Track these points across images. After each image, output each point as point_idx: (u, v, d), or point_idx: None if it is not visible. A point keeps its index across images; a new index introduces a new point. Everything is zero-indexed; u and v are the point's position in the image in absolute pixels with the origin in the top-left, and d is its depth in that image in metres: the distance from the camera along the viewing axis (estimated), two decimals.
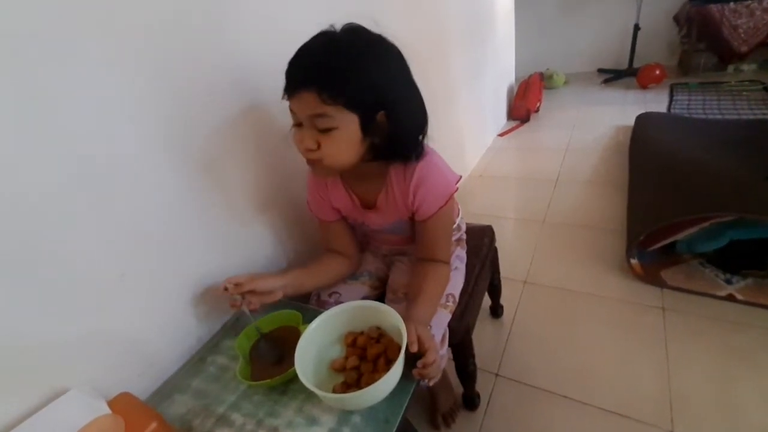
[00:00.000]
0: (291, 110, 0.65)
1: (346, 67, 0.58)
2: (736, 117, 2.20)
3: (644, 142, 1.90)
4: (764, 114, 2.20)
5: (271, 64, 0.74)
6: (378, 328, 0.68)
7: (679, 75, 3.10)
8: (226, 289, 0.71)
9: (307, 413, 0.61)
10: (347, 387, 0.61)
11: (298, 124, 0.66)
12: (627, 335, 1.15)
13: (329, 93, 0.58)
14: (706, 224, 1.21)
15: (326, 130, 0.62)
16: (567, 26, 3.51)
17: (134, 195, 0.66)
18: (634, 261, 1.31)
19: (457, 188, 0.76)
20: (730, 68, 2.98)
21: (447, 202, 0.74)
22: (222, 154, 0.80)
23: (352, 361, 0.64)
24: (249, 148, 0.86)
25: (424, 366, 0.60)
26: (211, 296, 0.81)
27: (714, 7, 2.68)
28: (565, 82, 3.41)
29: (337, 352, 0.68)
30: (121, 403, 0.60)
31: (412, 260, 0.89)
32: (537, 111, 2.89)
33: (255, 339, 0.74)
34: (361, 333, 0.69)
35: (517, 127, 2.74)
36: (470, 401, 1.03)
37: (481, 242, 1.06)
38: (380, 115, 0.63)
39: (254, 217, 0.92)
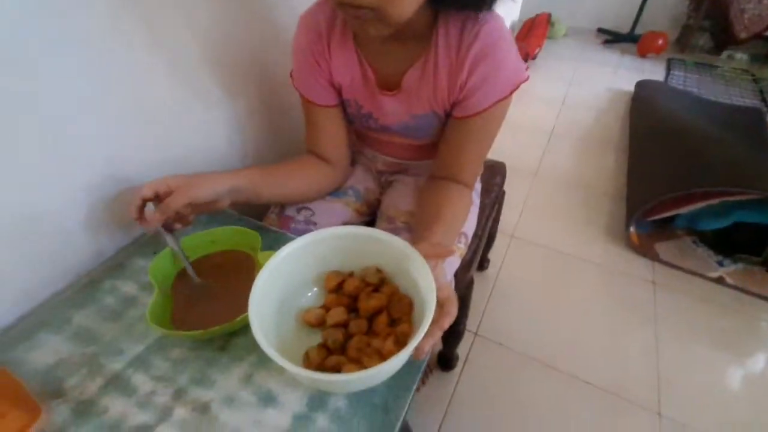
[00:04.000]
0: None
1: None
2: (729, 102, 2.15)
3: (648, 108, 1.78)
4: (754, 103, 2.17)
5: None
6: (378, 269, 0.45)
7: (676, 52, 2.99)
8: (140, 215, 0.45)
9: (259, 386, 0.39)
10: (328, 352, 0.40)
11: None
12: (616, 307, 1.07)
13: None
14: (715, 201, 1.11)
15: None
16: None
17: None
18: (632, 230, 1.20)
19: (527, 78, 0.52)
20: (724, 55, 2.92)
21: (510, 94, 0.51)
22: None
23: (337, 315, 0.42)
24: None
25: (431, 334, 0.36)
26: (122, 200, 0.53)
27: None
28: (565, 34, 3.16)
29: (311, 299, 0.46)
30: None
31: (418, 182, 0.66)
32: (534, 58, 2.65)
33: (181, 266, 0.48)
34: (351, 275, 0.46)
35: None
36: (447, 361, 0.89)
37: (493, 181, 0.86)
38: None
39: (205, 90, 0.62)
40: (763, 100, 2.22)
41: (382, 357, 0.38)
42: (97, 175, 0.50)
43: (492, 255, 1.14)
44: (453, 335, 0.81)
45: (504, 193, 0.93)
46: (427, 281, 0.38)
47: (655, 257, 1.18)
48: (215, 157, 0.68)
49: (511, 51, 0.49)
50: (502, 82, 0.50)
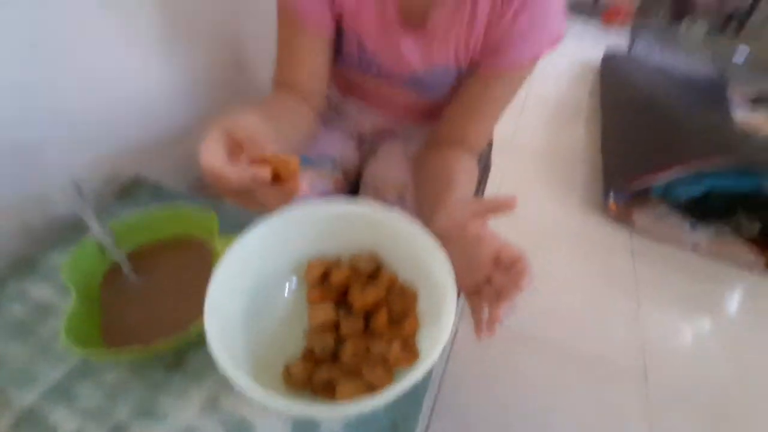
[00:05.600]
0: None
1: None
2: (690, 71, 2.20)
3: (615, 80, 1.81)
4: (712, 71, 2.24)
5: None
6: (371, 255, 0.37)
7: (639, 20, 3.04)
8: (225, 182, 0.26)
9: (228, 413, 0.30)
10: (315, 362, 0.31)
11: None
12: (597, 277, 1.06)
13: None
14: (691, 169, 1.11)
15: None
16: None
17: None
18: (610, 200, 1.19)
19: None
20: (684, 26, 2.99)
21: (546, 52, 0.43)
22: None
23: (323, 313, 0.33)
24: None
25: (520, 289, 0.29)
26: (36, 170, 0.41)
27: None
28: None
29: (290, 296, 0.37)
30: None
31: (408, 149, 0.56)
32: None
33: (113, 261, 0.37)
34: (337, 261, 0.37)
35: None
36: None
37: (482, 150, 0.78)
38: None
39: (145, 28, 0.49)
40: (721, 68, 2.30)
41: (388, 366, 0.30)
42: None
43: None
44: None
45: (491, 163, 0.86)
46: (442, 266, 0.30)
47: (631, 225, 1.19)
48: (163, 115, 0.55)
49: (556, 4, 0.41)
50: (546, 34, 0.42)
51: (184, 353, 0.33)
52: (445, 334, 0.26)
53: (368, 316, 0.34)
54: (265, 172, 0.27)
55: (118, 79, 0.48)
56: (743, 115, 1.66)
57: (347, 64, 0.51)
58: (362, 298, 0.34)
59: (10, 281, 0.38)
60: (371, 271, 0.36)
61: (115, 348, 0.31)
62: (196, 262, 0.38)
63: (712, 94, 1.77)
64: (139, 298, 0.35)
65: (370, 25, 0.45)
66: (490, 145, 0.82)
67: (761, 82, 2.09)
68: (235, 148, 0.27)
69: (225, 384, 0.32)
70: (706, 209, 1.18)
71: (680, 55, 2.45)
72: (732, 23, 2.87)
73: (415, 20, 0.43)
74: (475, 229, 0.30)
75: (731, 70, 2.31)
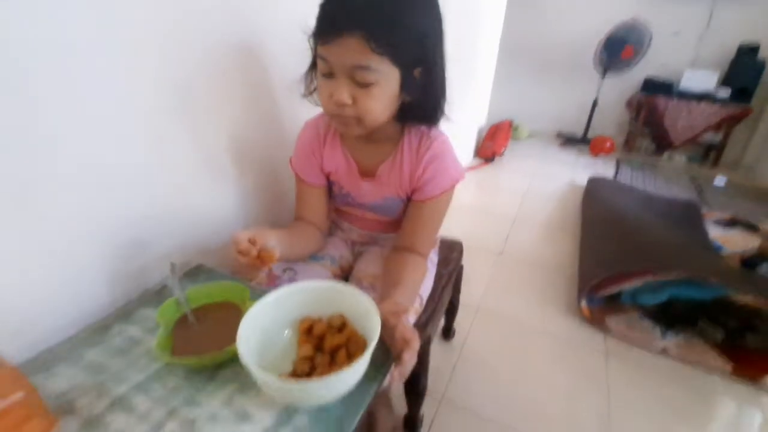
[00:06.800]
0: (321, 57, 0.56)
1: (398, 11, 0.50)
2: (668, 195, 2.45)
3: (596, 200, 2.04)
4: (691, 197, 2.47)
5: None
6: (341, 316, 0.58)
7: (624, 152, 3.44)
8: (240, 252, 0.57)
9: (238, 407, 0.49)
10: (297, 377, 0.50)
11: (328, 74, 0.56)
12: (573, 375, 1.14)
13: (378, 41, 0.50)
14: (651, 279, 1.27)
15: (366, 85, 0.55)
16: (539, 87, 3.79)
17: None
18: (583, 304, 1.33)
19: (464, 178, 0.71)
20: (665, 156, 3.37)
21: (452, 188, 0.69)
22: (203, 92, 0.68)
23: (306, 350, 0.53)
24: (234, 95, 0.76)
25: (403, 363, 0.50)
26: (139, 254, 0.66)
27: (661, 99, 3.05)
28: (528, 136, 3.64)
29: (287, 338, 0.57)
30: None
31: (383, 252, 0.81)
32: (501, 155, 3.02)
33: (182, 312, 0.60)
34: (320, 320, 0.58)
35: (481, 165, 2.83)
36: (412, 424, 0.93)
37: (450, 255, 1.01)
38: (417, 71, 0.57)
39: (221, 168, 0.79)
40: (700, 194, 2.55)
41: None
42: (122, 236, 0.64)
43: (458, 326, 1.24)
44: (416, 392, 0.88)
45: (462, 267, 1.08)
46: (375, 325, 0.50)
47: (606, 330, 1.30)
48: (222, 223, 0.82)
49: (452, 159, 0.70)
50: (447, 178, 0.69)
51: (216, 371, 0.53)
52: (371, 348, 0.46)
53: (333, 353, 0.53)
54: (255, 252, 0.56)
55: (197, 196, 0.77)
56: (717, 233, 1.83)
57: (336, 199, 0.80)
58: (331, 341, 0.54)
59: (115, 324, 0.60)
60: (339, 325, 0.56)
61: (181, 358, 0.51)
62: (232, 316, 0.59)
63: (688, 213, 1.96)
64: (196, 335, 0.57)
65: (344, 178, 0.75)
66: (459, 251, 1.05)
67: (737, 205, 2.30)
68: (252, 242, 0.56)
69: (238, 391, 0.51)
70: (672, 315, 1.29)
71: (661, 182, 2.74)
72: (711, 153, 3.22)
73: (369, 173, 0.72)
74: (391, 320, 0.53)
75: (710, 194, 2.55)
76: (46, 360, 0.54)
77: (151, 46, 0.60)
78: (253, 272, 0.65)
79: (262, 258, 0.58)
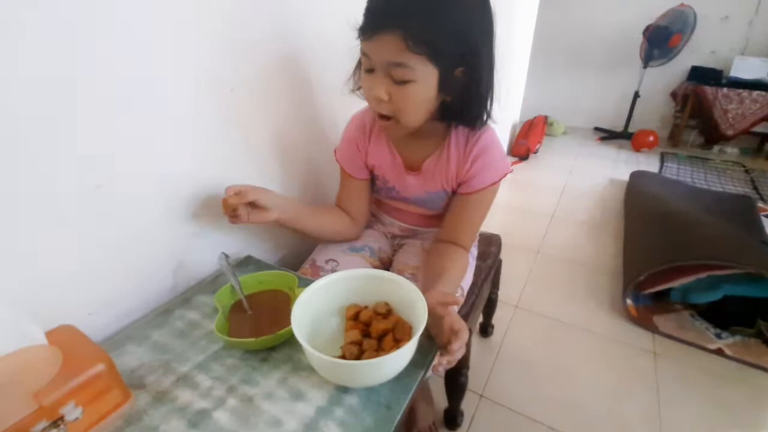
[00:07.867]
0: (364, 53, 0.58)
1: (440, 10, 0.51)
2: (720, 190, 2.30)
3: (640, 194, 1.95)
4: (746, 191, 2.31)
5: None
6: (386, 304, 0.59)
7: (669, 146, 3.26)
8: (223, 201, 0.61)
9: (292, 386, 0.51)
10: None
11: (369, 70, 0.59)
12: (618, 375, 1.10)
13: (416, 39, 0.51)
14: (703, 275, 1.20)
15: (402, 83, 0.56)
16: (573, 82, 3.67)
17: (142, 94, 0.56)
18: (629, 302, 1.28)
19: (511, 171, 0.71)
20: (715, 149, 3.16)
21: (499, 180, 0.69)
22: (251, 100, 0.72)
23: (353, 335, 0.55)
24: (279, 97, 0.80)
25: (451, 352, 0.51)
26: (197, 246, 0.71)
27: (709, 89, 2.87)
28: (564, 133, 3.52)
29: (334, 325, 0.59)
30: (62, 336, 0.48)
31: (424, 245, 0.81)
32: (536, 152, 2.95)
33: (237, 298, 0.63)
34: (366, 307, 0.59)
35: (516, 163, 2.77)
36: (452, 419, 0.93)
37: (489, 249, 1.00)
38: (459, 71, 0.57)
39: (269, 163, 0.83)
40: (755, 188, 2.37)
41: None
42: (182, 228, 0.69)
43: (496, 324, 1.23)
44: (456, 387, 0.88)
45: (500, 261, 1.07)
46: (422, 312, 0.51)
47: (654, 329, 1.24)
48: None
49: (500, 152, 0.70)
50: (495, 171, 0.69)
51: (270, 353, 0.56)
52: (419, 332, 0.47)
53: (381, 338, 0.55)
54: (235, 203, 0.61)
55: None
56: None
57: (380, 192, 0.81)
58: (377, 326, 0.55)
59: (176, 309, 0.65)
60: (385, 312, 0.58)
61: (240, 339, 0.54)
62: (282, 302, 0.62)
63: (741, 208, 1.83)
64: (250, 320, 0.60)
65: (388, 171, 0.75)
66: (498, 246, 1.04)
67: None
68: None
69: (291, 371, 0.53)
70: (728, 314, 1.21)
71: (712, 176, 2.57)
72: (765, 145, 2.99)
73: (414, 167, 0.73)
74: (439, 311, 0.54)
75: (766, 187, 2.37)
76: (117, 339, 0.59)
77: (203, 54, 0.64)
78: (234, 221, 0.64)
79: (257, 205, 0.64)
